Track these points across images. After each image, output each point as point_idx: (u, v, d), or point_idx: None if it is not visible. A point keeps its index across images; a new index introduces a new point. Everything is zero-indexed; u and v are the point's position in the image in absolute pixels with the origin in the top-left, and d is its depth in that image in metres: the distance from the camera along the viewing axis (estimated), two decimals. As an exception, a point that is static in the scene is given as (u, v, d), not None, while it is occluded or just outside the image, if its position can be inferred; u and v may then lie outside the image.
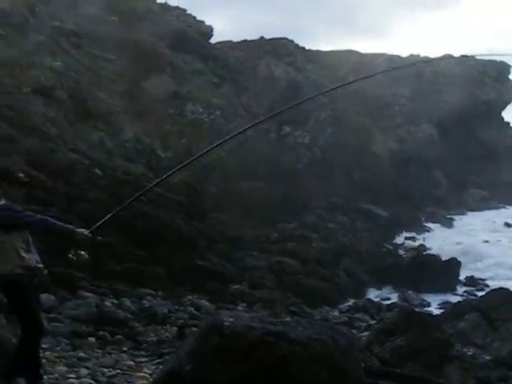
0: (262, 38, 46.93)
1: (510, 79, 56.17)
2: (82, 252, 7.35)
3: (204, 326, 6.77)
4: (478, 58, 50.61)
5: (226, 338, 6.26)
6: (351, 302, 19.16)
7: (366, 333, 13.86)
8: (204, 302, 16.22)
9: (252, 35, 50.07)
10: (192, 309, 15.50)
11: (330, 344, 6.34)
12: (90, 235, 7.24)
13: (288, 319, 7.03)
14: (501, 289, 15.00)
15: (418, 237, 30.73)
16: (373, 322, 16.10)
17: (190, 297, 16.61)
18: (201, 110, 32.56)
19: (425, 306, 19.05)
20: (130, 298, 15.28)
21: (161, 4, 40.96)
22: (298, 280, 19.16)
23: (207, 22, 41.99)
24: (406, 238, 29.79)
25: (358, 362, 6.97)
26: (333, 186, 33.66)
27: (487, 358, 11.54)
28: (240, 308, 16.33)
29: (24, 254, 7.19)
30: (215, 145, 7.59)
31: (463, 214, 40.27)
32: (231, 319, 6.46)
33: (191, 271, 18.04)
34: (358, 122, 40.34)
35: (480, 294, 15.74)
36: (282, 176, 29.52)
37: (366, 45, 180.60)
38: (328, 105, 38.12)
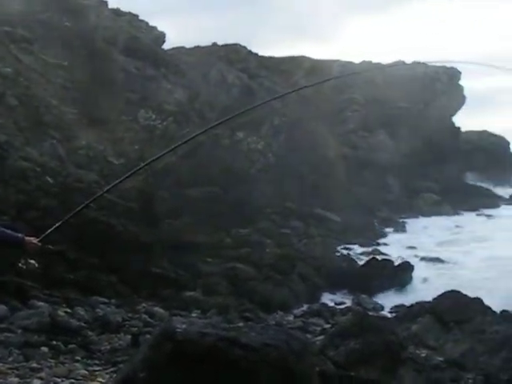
0: (214, 43, 46.89)
1: (460, 85, 57.00)
2: (32, 261, 7.24)
3: (157, 333, 6.71)
4: (429, 64, 51.35)
5: (179, 344, 6.21)
6: (306, 306, 19.19)
7: (321, 337, 13.88)
8: (158, 310, 16.13)
9: (204, 42, 50.05)
10: (146, 316, 15.40)
11: (284, 349, 6.31)
12: (39, 244, 7.12)
13: (241, 325, 7.01)
14: (453, 291, 15.16)
15: (370, 241, 30.90)
16: (327, 326, 16.12)
17: (144, 304, 16.50)
18: (153, 116, 32.41)
19: (378, 310, 19.18)
20: (84, 306, 15.12)
21: (113, 10, 40.63)
22: (252, 286, 19.16)
23: (159, 28, 41.91)
24: (359, 243, 29.93)
25: (313, 367, 6.96)
26: (286, 192, 33.75)
27: (440, 359, 11.65)
28: (194, 315, 16.26)
29: (-28, 264, 7.06)
30: (166, 151, 7.52)
31: (416, 217, 40.69)
32: (184, 326, 6.41)
33: (145, 278, 17.94)
34: (311, 127, 40.49)
35: (433, 296, 15.82)
36: (236, 182, 29.52)
37: (317, 50, 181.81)
38: (281, 110, 38.25)
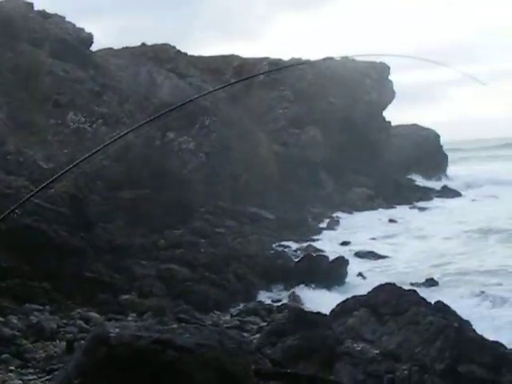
0: (143, 44, 46.59)
1: (389, 80, 57.74)
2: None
3: (90, 338, 6.66)
4: (358, 59, 51.95)
5: (113, 348, 6.18)
6: (242, 305, 19.17)
7: (258, 335, 13.92)
8: (93, 315, 15.95)
9: (133, 42, 49.60)
10: (81, 322, 15.22)
11: (218, 348, 6.32)
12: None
13: (175, 326, 6.98)
14: (388, 284, 15.26)
15: (305, 237, 31.03)
16: (264, 324, 16.17)
17: (78, 310, 16.29)
18: (83, 119, 32.07)
19: (314, 305, 19.23)
20: (17, 314, 14.87)
21: (39, 12, 39.97)
22: (187, 287, 19.05)
23: (87, 30, 41.28)
24: (294, 239, 30.03)
25: (248, 365, 6.97)
26: (220, 191, 33.79)
27: (376, 352, 11.76)
28: (130, 318, 16.13)
29: None
30: (94, 151, 7.42)
31: (349, 212, 41.05)
32: (117, 330, 6.37)
33: (79, 283, 17.72)
34: (242, 125, 40.56)
35: (368, 290, 15.93)
36: (168, 183, 29.33)
37: (247, 49, 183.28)
38: (212, 110, 38.21)
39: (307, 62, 45.78)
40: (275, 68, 43.11)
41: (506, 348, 12.01)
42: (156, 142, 34.62)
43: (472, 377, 11.16)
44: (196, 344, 6.23)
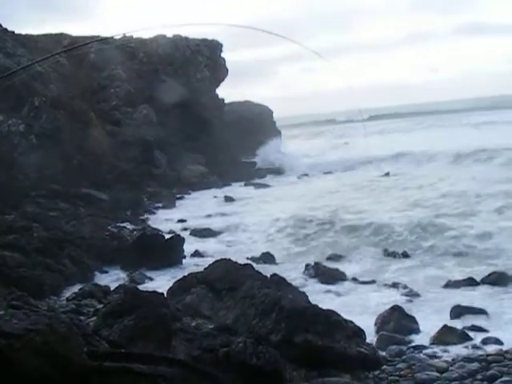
0: (-36, 21, 44.76)
1: (222, 57, 58.15)
2: None
3: None
4: (191, 38, 52.21)
5: None
6: (78, 288, 18.87)
7: (94, 318, 13.77)
8: None
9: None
10: None
11: (47, 333, 6.21)
12: None
13: (2, 313, 6.81)
14: (223, 260, 15.49)
15: (141, 217, 30.93)
16: (100, 306, 16.00)
17: None
18: None
19: (152, 284, 19.21)
20: None
21: None
22: (21, 273, 18.56)
23: None
24: (130, 220, 29.82)
25: (81, 347, 6.89)
26: (52, 173, 33.05)
27: (211, 326, 11.92)
28: (-40, 309, 15.58)
29: None
30: None
31: (185, 191, 41.12)
32: None
33: None
34: (74, 106, 39.89)
35: (205, 267, 16.06)
36: (-2, 167, 28.54)
37: (77, 27, 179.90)
38: (42, 90, 37.34)
39: (137, 40, 45.47)
40: (106, 48, 42.68)
41: (338, 315, 12.39)
42: (-17, 125, 33.52)
43: (308, 345, 11.47)
44: (24, 329, 6.11)
